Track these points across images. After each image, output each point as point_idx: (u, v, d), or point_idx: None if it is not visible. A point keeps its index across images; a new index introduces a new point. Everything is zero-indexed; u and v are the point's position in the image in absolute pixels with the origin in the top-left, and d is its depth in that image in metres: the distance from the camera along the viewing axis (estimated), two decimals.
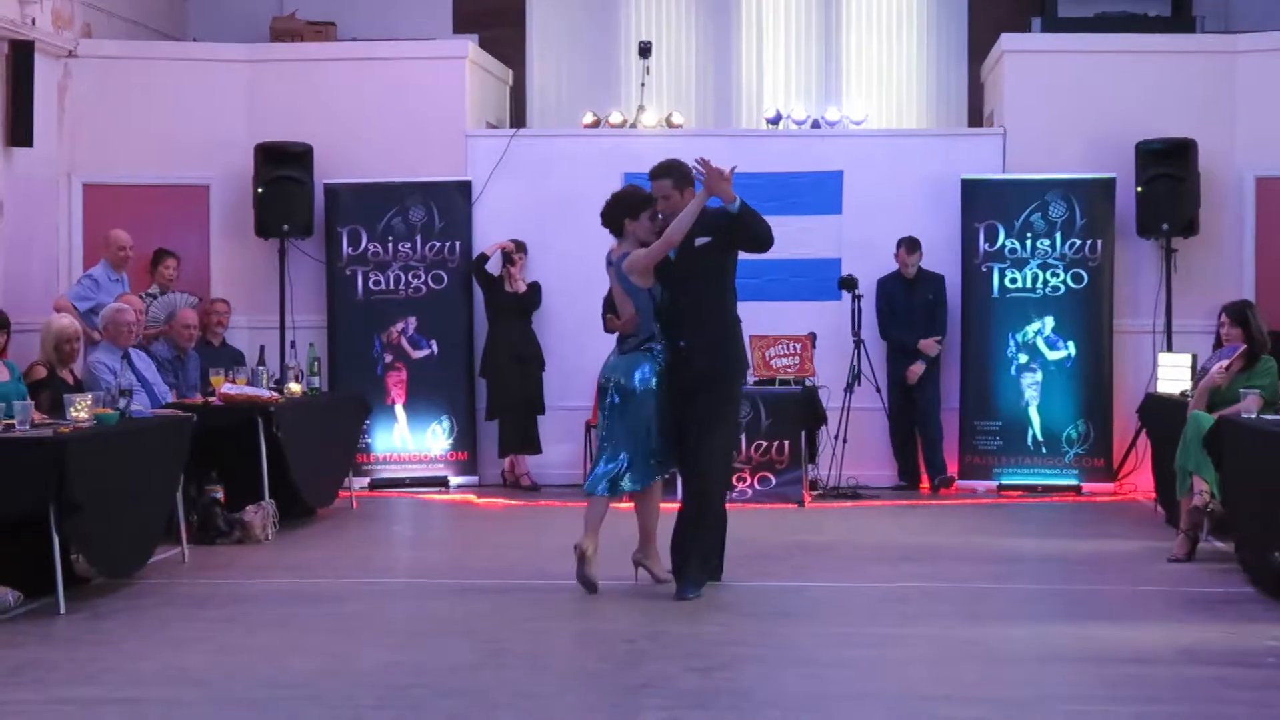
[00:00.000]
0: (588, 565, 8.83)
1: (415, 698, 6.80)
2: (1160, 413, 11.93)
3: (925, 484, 13.86)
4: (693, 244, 8.88)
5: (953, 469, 13.80)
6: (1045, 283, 13.80)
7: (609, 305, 9.44)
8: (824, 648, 7.82)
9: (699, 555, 8.93)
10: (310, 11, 15.76)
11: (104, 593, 9.13)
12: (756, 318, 13.37)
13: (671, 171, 9.05)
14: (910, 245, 13.74)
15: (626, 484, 8.93)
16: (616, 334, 9.18)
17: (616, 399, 8.94)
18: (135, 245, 13.09)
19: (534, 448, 13.99)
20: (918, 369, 13.72)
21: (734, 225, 8.85)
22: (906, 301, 13.81)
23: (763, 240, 8.91)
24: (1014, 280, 13.83)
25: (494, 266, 13.99)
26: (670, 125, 14.85)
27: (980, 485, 13.78)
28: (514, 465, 14.04)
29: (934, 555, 10.60)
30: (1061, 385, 13.76)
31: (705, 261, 8.93)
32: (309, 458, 11.79)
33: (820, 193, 14.18)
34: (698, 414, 8.86)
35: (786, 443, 12.93)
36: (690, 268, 8.93)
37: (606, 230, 9.22)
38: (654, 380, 8.90)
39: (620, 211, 9.08)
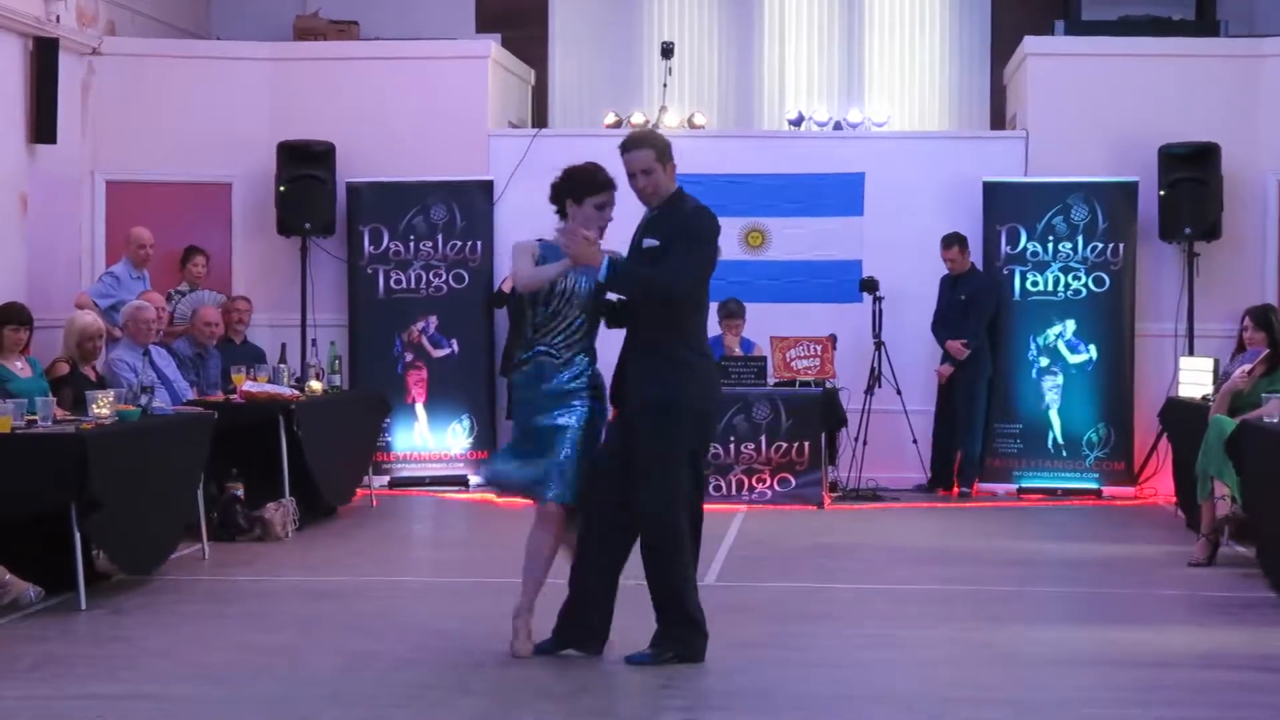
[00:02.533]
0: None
1: (435, 697, 6.80)
2: (1181, 417, 11.91)
3: (955, 489, 13.76)
4: (639, 244, 7.44)
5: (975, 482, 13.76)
6: (1067, 286, 13.77)
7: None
8: (844, 649, 7.81)
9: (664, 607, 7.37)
10: (333, 10, 15.77)
11: (124, 589, 9.15)
12: (777, 319, 13.45)
13: (654, 141, 7.46)
14: (945, 242, 13.66)
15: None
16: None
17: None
18: (158, 243, 13.12)
19: None
20: (945, 369, 13.65)
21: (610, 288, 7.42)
22: (949, 300, 13.74)
23: (650, 296, 7.33)
24: (1035, 283, 13.80)
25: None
26: (692, 126, 14.84)
27: (1000, 488, 13.76)
28: None
29: (954, 558, 10.59)
30: (1082, 388, 13.72)
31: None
32: (329, 456, 11.80)
33: (842, 194, 14.17)
34: (636, 451, 7.30)
35: (807, 444, 12.91)
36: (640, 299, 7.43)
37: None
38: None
39: (564, 190, 7.57)
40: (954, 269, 13.67)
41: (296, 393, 11.68)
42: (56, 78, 13.18)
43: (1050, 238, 13.79)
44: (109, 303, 12.46)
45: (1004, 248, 13.85)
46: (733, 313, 13.47)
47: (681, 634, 7.33)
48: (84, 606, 8.51)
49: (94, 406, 9.05)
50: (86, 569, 8.68)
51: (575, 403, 7.44)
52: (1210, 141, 13.60)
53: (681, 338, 7.37)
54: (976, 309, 13.62)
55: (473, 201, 14.26)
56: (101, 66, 14.20)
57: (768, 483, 12.92)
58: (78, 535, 8.50)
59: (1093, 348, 13.75)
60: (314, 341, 13.71)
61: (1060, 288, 13.78)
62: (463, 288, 14.21)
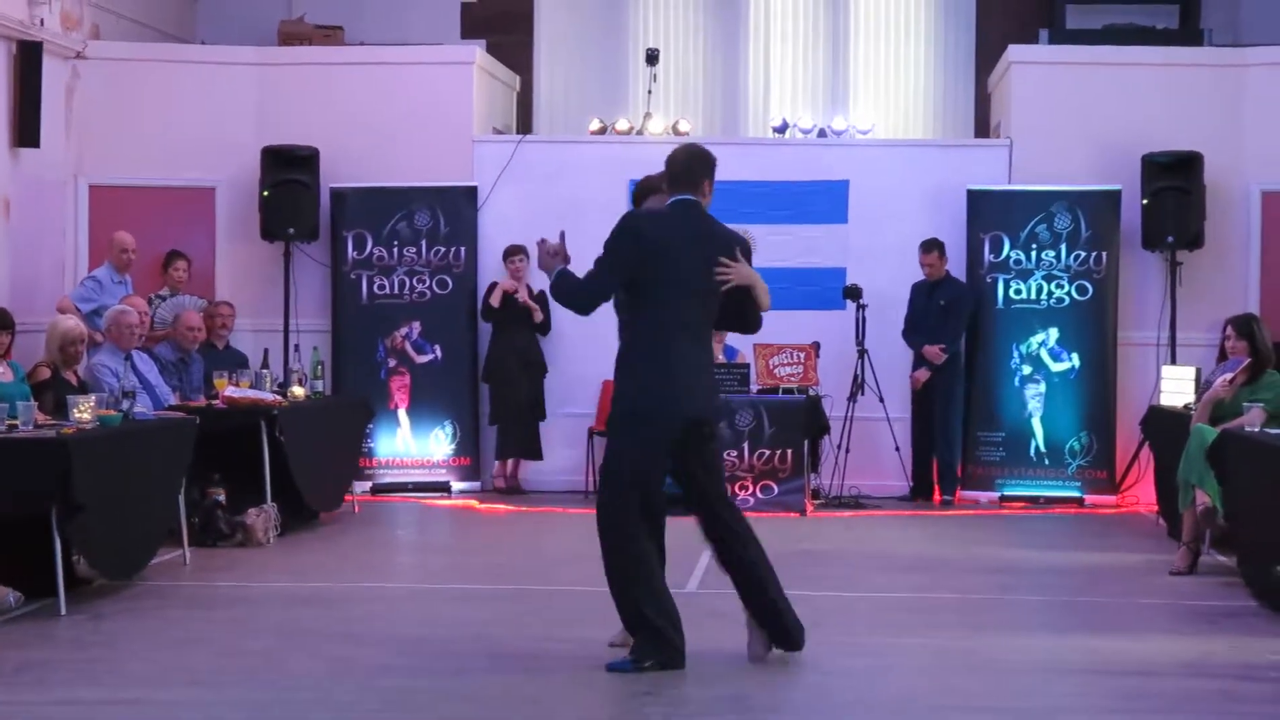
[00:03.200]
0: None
1: (419, 702, 6.80)
2: (1163, 425, 11.93)
3: (938, 497, 13.79)
4: None
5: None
6: (1050, 294, 13.80)
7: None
8: (826, 657, 7.79)
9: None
10: (318, 15, 15.74)
11: (105, 594, 9.13)
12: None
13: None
14: (925, 247, 13.69)
15: None
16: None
17: None
18: (141, 247, 13.12)
19: (535, 454, 14.01)
20: (920, 375, 13.69)
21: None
22: (925, 307, 13.77)
23: (570, 308, 7.68)
24: (1019, 291, 13.83)
25: (500, 277, 14.03)
26: (677, 133, 14.83)
27: (983, 496, 13.77)
28: (510, 468, 14.05)
29: (936, 565, 10.60)
30: (1065, 397, 13.75)
31: None
32: (312, 461, 11.78)
33: (826, 202, 14.18)
34: None
35: (789, 451, 12.92)
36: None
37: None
38: None
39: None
40: (931, 274, 13.69)
41: (279, 398, 11.66)
42: (40, 81, 13.14)
43: (1034, 246, 13.82)
44: (91, 307, 12.43)
45: (987, 255, 13.87)
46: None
47: (654, 641, 7.29)
48: (64, 612, 8.48)
49: (75, 411, 9.01)
50: (67, 574, 8.65)
51: None
52: (1193, 150, 13.63)
53: (632, 341, 7.50)
54: (956, 315, 13.66)
55: (457, 207, 14.25)
56: (85, 70, 14.17)
57: (750, 490, 12.92)
58: (58, 540, 8.47)
59: (1075, 356, 13.77)
60: (297, 347, 13.67)
61: (1043, 296, 13.81)
62: (446, 293, 14.21)
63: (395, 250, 14.18)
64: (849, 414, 13.54)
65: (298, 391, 12.06)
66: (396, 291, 14.19)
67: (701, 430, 7.46)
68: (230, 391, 11.36)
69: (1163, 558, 10.53)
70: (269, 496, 11.20)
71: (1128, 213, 13.80)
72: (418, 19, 16.07)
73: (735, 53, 16.36)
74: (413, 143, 14.31)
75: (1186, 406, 11.43)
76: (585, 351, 13.80)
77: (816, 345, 13.30)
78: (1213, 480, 9.86)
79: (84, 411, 9.03)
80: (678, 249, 7.48)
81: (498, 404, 13.98)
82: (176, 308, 12.88)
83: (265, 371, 12.20)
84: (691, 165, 7.83)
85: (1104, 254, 13.77)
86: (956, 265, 13.88)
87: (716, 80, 16.40)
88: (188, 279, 13.63)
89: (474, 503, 13.64)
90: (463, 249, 14.23)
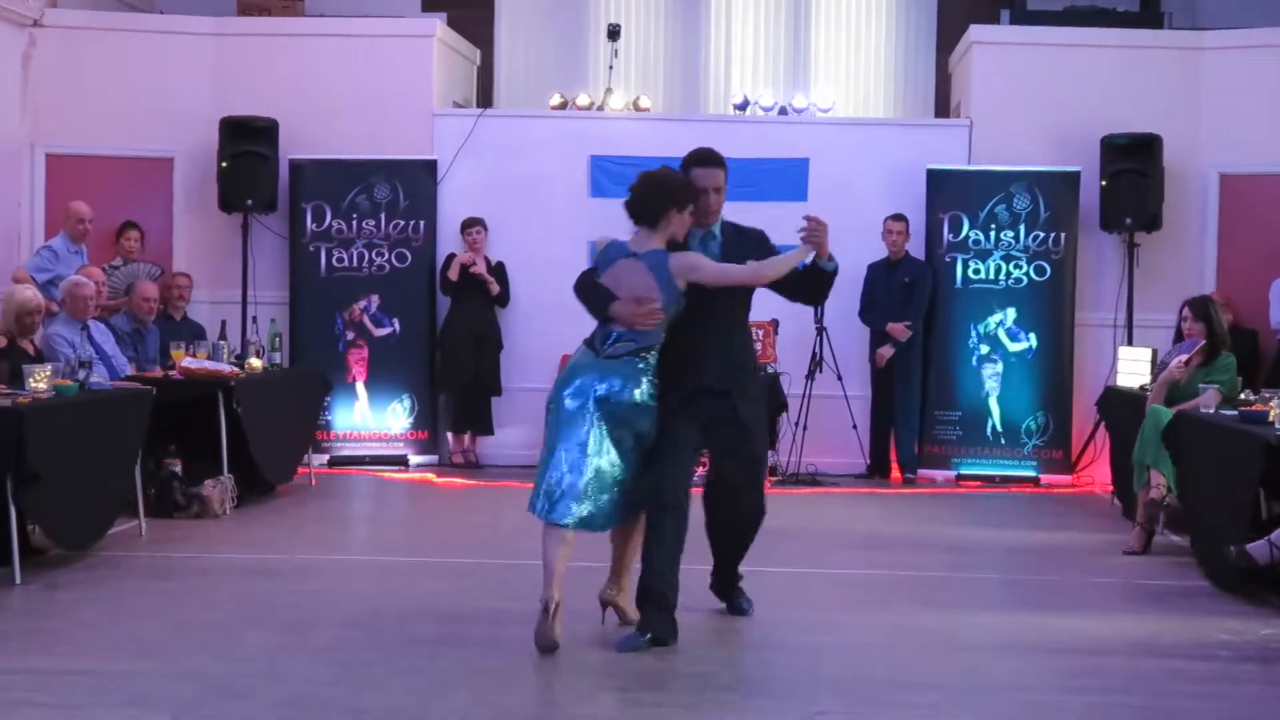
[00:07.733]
0: (554, 621, 7.28)
1: (372, 675, 6.79)
2: (1119, 406, 11.99)
3: (896, 475, 13.84)
4: (742, 261, 7.79)
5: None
6: (1008, 274, 13.84)
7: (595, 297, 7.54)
8: (780, 633, 7.83)
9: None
10: None
11: (60, 564, 9.09)
12: None
13: (724, 163, 7.83)
14: (896, 216, 13.74)
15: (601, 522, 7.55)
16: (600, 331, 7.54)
17: (601, 412, 7.40)
18: (97, 217, 13.05)
19: (486, 428, 14.02)
20: (885, 352, 13.70)
21: (819, 280, 7.92)
22: (886, 286, 13.78)
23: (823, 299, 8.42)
24: (977, 271, 13.87)
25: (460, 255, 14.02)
26: (637, 109, 14.84)
27: (939, 475, 13.83)
28: (467, 442, 14.06)
29: (892, 543, 10.63)
30: (1022, 377, 13.81)
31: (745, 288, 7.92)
32: (269, 434, 11.75)
33: (786, 180, 14.18)
34: (737, 428, 8.18)
35: None
36: (731, 290, 7.85)
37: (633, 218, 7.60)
38: (653, 397, 7.58)
39: (666, 201, 7.52)
40: (896, 247, 13.70)
41: (236, 370, 11.63)
42: None
43: (992, 226, 13.86)
44: (46, 277, 12.36)
45: (946, 235, 13.91)
46: None
47: (648, 612, 7.43)
48: (19, 582, 8.46)
49: (31, 380, 8.98)
50: (22, 544, 8.62)
51: None
52: (1152, 133, 13.69)
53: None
54: (919, 293, 13.69)
55: (416, 181, 14.22)
56: (42, 38, 14.07)
57: (708, 465, 12.88)
58: (14, 510, 8.44)
59: (1033, 336, 13.83)
60: (254, 319, 13.65)
61: (1001, 276, 13.86)
62: (405, 267, 14.19)
63: (354, 223, 14.14)
64: (807, 392, 13.57)
65: (255, 363, 12.02)
66: (355, 264, 14.16)
67: None
68: (187, 363, 11.33)
69: (1117, 537, 10.59)
70: (225, 468, 11.18)
71: (1086, 194, 13.86)
72: None
73: (697, 29, 16.35)
74: (372, 115, 14.28)
75: (1142, 388, 11.49)
76: (544, 326, 13.79)
77: (775, 323, 13.31)
78: (1168, 461, 9.92)
79: (40, 381, 8.99)
80: None
81: (444, 374, 14.01)
82: (130, 277, 12.84)
83: (223, 343, 12.17)
84: None
85: (1062, 235, 13.83)
86: (915, 244, 13.91)
87: (678, 56, 16.38)
88: (140, 249, 13.59)
89: (431, 476, 13.64)
90: (422, 223, 14.20)
